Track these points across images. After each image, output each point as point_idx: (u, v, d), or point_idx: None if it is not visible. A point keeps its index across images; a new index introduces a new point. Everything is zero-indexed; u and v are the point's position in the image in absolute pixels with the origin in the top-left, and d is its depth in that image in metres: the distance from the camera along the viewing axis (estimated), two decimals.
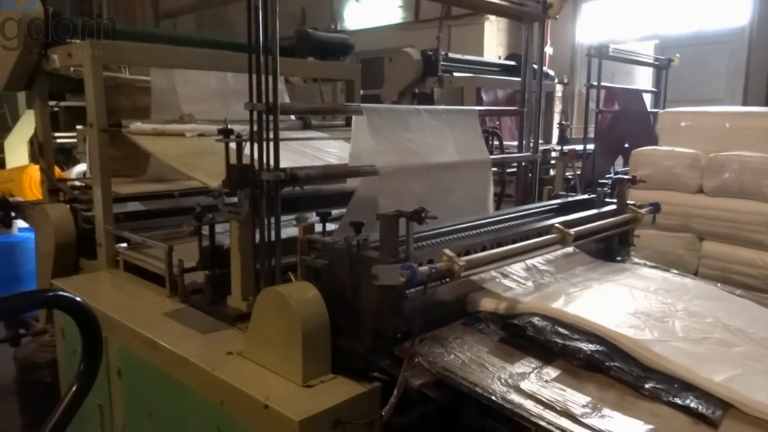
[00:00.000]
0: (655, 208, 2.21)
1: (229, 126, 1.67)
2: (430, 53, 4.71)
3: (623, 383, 1.25)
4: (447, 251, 1.36)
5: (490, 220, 1.93)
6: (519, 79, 2.47)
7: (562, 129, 4.32)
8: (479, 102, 4.72)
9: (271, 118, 1.57)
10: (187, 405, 1.56)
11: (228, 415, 1.41)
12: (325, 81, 3.77)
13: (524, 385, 1.23)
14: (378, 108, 1.89)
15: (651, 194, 2.82)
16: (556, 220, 1.81)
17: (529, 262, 1.78)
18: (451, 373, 1.26)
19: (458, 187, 2.08)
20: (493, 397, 1.18)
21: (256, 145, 1.58)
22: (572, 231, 1.71)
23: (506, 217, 2.01)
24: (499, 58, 6.93)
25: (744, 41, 6.90)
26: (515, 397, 1.18)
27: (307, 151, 2.45)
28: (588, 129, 4.17)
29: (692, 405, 1.17)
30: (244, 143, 1.61)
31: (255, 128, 1.58)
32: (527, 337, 1.40)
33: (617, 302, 1.58)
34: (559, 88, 7.10)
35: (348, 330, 1.42)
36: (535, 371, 1.29)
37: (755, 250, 2.55)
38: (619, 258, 2.21)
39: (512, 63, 5.39)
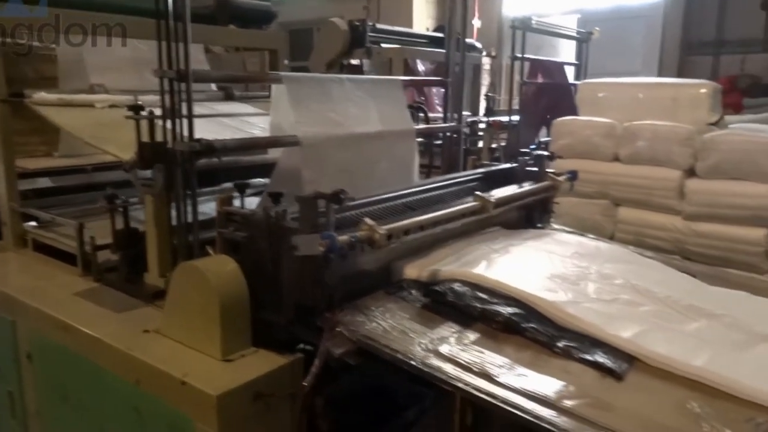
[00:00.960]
0: (573, 176, 2.28)
1: (146, 97, 1.59)
2: (358, 24, 4.64)
3: (538, 343, 1.29)
4: (368, 220, 1.35)
5: (414, 189, 1.94)
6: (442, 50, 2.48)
7: (488, 101, 4.38)
8: (412, 74, 4.72)
9: (183, 86, 1.50)
10: (102, 386, 1.50)
11: (145, 395, 1.36)
12: (250, 50, 3.66)
13: (443, 349, 1.25)
14: (299, 77, 1.85)
15: (570, 163, 2.92)
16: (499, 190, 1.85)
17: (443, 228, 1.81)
18: (372, 340, 1.27)
19: (383, 157, 2.07)
20: (412, 362, 1.20)
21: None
22: (493, 198, 1.75)
23: (430, 186, 2.02)
24: (427, 29, 6.94)
25: (659, 16, 7.21)
26: (434, 362, 1.20)
27: (229, 122, 2.37)
28: (513, 101, 4.26)
29: (600, 360, 1.22)
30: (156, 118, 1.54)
31: (167, 97, 1.50)
32: (448, 302, 1.42)
33: (535, 266, 1.63)
34: (487, 60, 7.21)
35: (269, 303, 1.39)
36: (455, 335, 1.32)
37: (666, 214, 2.69)
38: (540, 225, 2.28)
39: (440, 35, 5.39)
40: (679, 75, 7.04)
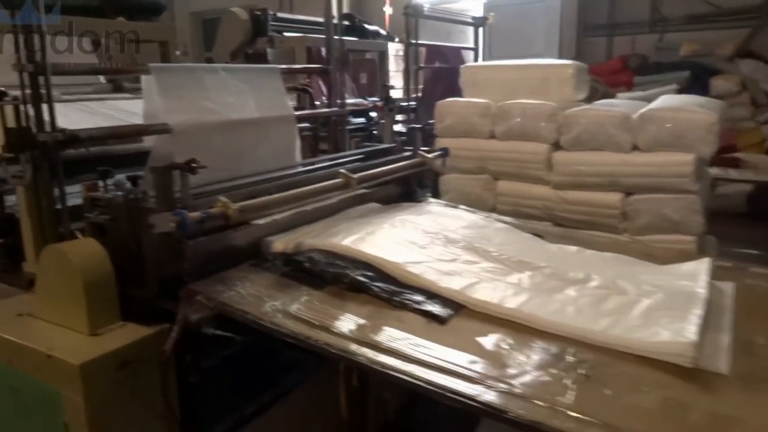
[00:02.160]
0: (444, 153, 2.48)
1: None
2: (259, 13, 4.70)
3: (380, 299, 1.46)
4: (221, 197, 1.48)
5: (287, 172, 2.08)
6: (351, 38, 2.60)
7: (387, 86, 4.55)
8: (316, 61, 4.80)
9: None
10: None
11: (18, 373, 1.44)
12: (145, 42, 3.65)
13: (292, 308, 1.40)
14: (167, 67, 1.94)
15: (453, 141, 3.13)
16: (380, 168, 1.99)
17: (321, 204, 1.97)
18: (227, 305, 1.40)
19: (261, 143, 2.18)
20: (261, 321, 1.34)
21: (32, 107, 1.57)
22: (356, 175, 1.91)
23: (303, 169, 2.16)
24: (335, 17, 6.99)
25: (557, 0, 7.60)
26: (281, 319, 1.35)
27: (112, 113, 2.42)
28: (412, 85, 4.44)
29: (428, 308, 1.40)
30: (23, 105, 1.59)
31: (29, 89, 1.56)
32: (305, 269, 1.57)
33: (391, 235, 1.80)
34: (400, 46, 7.36)
35: (135, 279, 1.50)
36: (306, 297, 1.47)
37: (538, 185, 2.94)
38: (421, 200, 2.46)
39: (345, 22, 5.52)
40: (578, 56, 7.44)
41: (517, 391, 1.12)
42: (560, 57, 7.41)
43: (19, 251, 1.78)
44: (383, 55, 5.54)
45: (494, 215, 2.29)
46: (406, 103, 4.21)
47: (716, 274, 1.74)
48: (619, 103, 3.01)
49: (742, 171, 3.72)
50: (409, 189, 2.44)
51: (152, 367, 1.43)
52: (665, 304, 1.44)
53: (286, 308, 1.39)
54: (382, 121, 4.34)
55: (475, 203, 2.93)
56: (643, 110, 2.64)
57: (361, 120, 4.37)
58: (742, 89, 6.33)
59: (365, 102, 4.08)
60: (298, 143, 2.32)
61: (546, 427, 1.02)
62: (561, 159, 2.84)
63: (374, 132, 4.21)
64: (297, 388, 1.92)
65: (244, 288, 1.49)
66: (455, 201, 2.83)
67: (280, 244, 1.72)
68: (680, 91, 6.24)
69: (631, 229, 2.75)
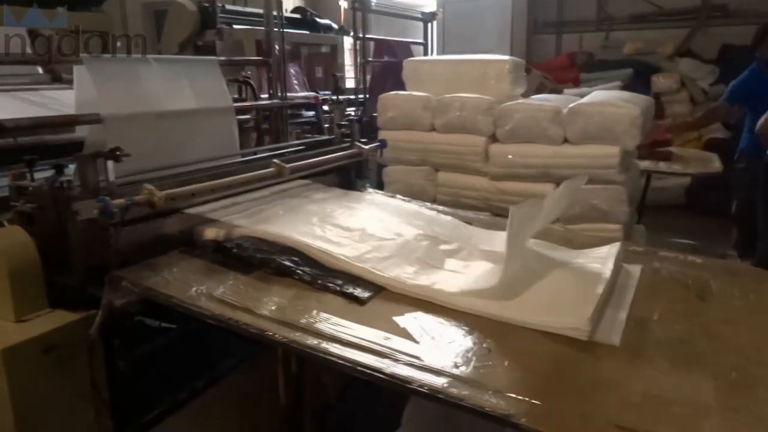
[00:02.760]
0: (382, 144, 2.55)
1: None
2: (207, 5, 4.68)
3: (304, 282, 1.52)
4: (147, 185, 1.51)
5: (224, 162, 2.12)
6: (302, 32, 2.63)
7: (335, 79, 4.59)
8: (266, 54, 4.81)
9: None
10: None
11: None
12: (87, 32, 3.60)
13: (217, 292, 1.44)
14: (99, 58, 1.94)
15: (396, 134, 3.21)
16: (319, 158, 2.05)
17: (259, 194, 2.02)
18: (152, 290, 1.44)
19: (198, 134, 2.21)
20: (184, 304, 1.38)
21: None
22: (289, 165, 1.96)
23: (241, 159, 2.20)
24: (286, 11, 7.00)
25: None
26: (204, 302, 1.40)
27: (47, 103, 2.41)
28: (364, 79, 4.50)
29: (349, 290, 1.47)
30: None
31: None
32: (233, 255, 1.62)
33: (321, 220, 1.86)
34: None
35: (63, 266, 1.52)
36: (231, 281, 1.52)
37: (476, 176, 3.04)
38: (360, 190, 2.53)
39: (296, 15, 5.56)
40: (528, 52, 7.65)
41: (423, 363, 1.19)
42: (511, 53, 7.58)
43: None
44: (335, 49, 5.59)
45: (428, 204, 2.37)
46: (354, 96, 4.28)
47: (628, 258, 1.87)
48: (553, 98, 3.14)
49: (671, 164, 3.89)
50: (348, 179, 2.50)
51: (80, 353, 1.46)
52: (572, 285, 1.54)
53: (210, 292, 1.44)
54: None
55: (417, 194, 3.02)
56: (572, 105, 2.77)
57: (312, 113, 4.43)
58: (682, 87, 6.62)
59: (317, 95, 4.11)
60: (236, 134, 2.36)
61: (443, 394, 1.10)
62: (497, 151, 2.95)
63: (327, 125, 4.27)
64: (233, 373, 1.96)
65: (171, 274, 1.53)
66: (398, 192, 2.91)
67: (210, 231, 1.75)
68: (624, 88, 6.51)
69: (563, 218, 2.88)
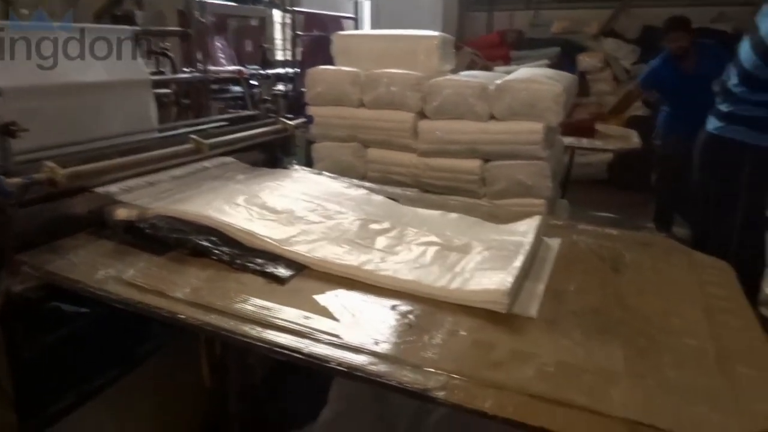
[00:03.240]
0: (308, 120, 2.49)
1: None
2: None
3: (222, 263, 1.47)
4: (48, 162, 1.41)
5: (140, 138, 2.01)
6: (228, 3, 2.49)
7: (263, 52, 4.47)
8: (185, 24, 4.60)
9: None
10: None
11: None
12: None
13: (126, 275, 1.37)
14: None
15: (325, 109, 3.16)
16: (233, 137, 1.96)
17: (180, 172, 1.93)
18: (55, 274, 1.35)
19: (111, 108, 2.09)
20: (90, 289, 1.31)
21: None
22: (208, 141, 1.88)
23: (159, 135, 2.10)
24: None
25: None
26: (112, 286, 1.32)
27: None
28: (294, 53, 4.40)
29: (269, 270, 1.43)
30: None
31: None
32: (146, 236, 1.54)
33: (241, 198, 1.80)
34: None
35: None
36: (144, 263, 1.44)
37: (405, 152, 3.04)
38: (286, 167, 2.46)
39: None
40: (459, 29, 7.69)
41: (343, 342, 1.18)
42: (443, 30, 7.59)
43: None
44: (263, 21, 5.42)
45: (356, 181, 2.34)
46: (283, 71, 4.17)
47: (549, 231, 1.91)
48: (481, 75, 3.15)
49: (593, 140, 4.02)
50: (274, 157, 2.43)
51: None
52: (493, 259, 1.56)
53: (120, 275, 1.37)
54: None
55: (346, 171, 2.98)
56: (498, 81, 2.80)
57: (239, 88, 4.28)
58: (606, 65, 6.83)
59: (241, 69, 3.98)
60: (153, 110, 2.24)
61: (361, 372, 1.09)
62: (426, 127, 2.94)
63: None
64: (153, 357, 1.89)
65: (78, 257, 1.44)
66: (327, 169, 2.87)
67: (123, 211, 1.66)
68: (551, 66, 6.64)
69: (489, 193, 2.93)
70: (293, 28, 4.27)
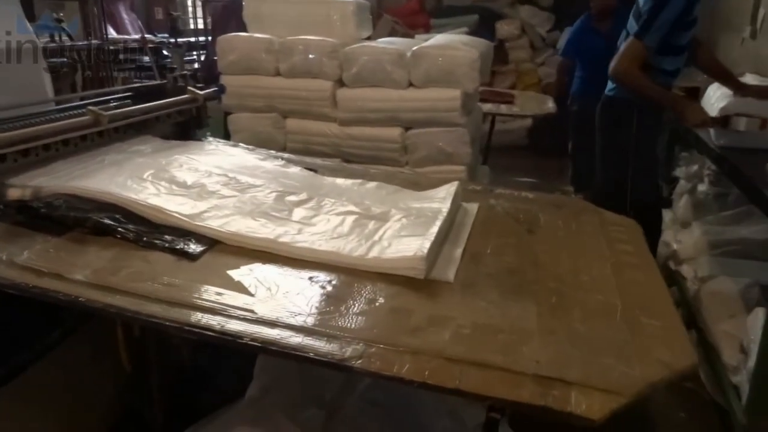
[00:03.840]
0: (219, 90, 2.39)
1: None
2: None
3: (127, 241, 1.39)
4: None
5: (32, 111, 1.85)
6: None
7: (173, 20, 4.24)
8: None
9: None
10: None
11: None
12: None
13: (20, 258, 1.27)
14: None
15: (239, 79, 3.04)
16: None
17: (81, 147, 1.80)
18: None
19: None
20: None
21: None
22: (107, 113, 1.76)
23: (54, 108, 1.94)
24: None
25: None
26: (3, 271, 1.22)
27: None
28: (203, 21, 4.19)
29: (179, 246, 1.37)
30: None
31: None
32: (42, 216, 1.43)
33: (148, 173, 1.70)
34: None
35: None
36: (40, 245, 1.34)
37: (325, 122, 2.98)
38: (201, 139, 2.35)
39: None
40: None
41: (257, 316, 1.14)
42: None
43: None
44: None
45: (273, 153, 2.27)
46: (194, 39, 3.98)
47: (468, 197, 1.93)
48: (398, 41, 3.12)
49: (511, 107, 4.10)
50: (186, 130, 2.32)
51: None
52: (412, 225, 1.55)
53: (12, 258, 1.26)
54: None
55: (266, 143, 2.90)
56: (415, 48, 2.78)
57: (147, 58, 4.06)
58: (522, 33, 6.96)
59: (143, 37, 3.76)
60: (44, 79, 2.08)
61: (276, 346, 1.06)
62: (344, 96, 2.90)
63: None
64: (64, 343, 1.78)
65: None
66: (246, 141, 2.77)
67: (15, 191, 1.53)
68: (470, 34, 6.70)
69: (411, 161, 2.93)
70: None
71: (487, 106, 3.90)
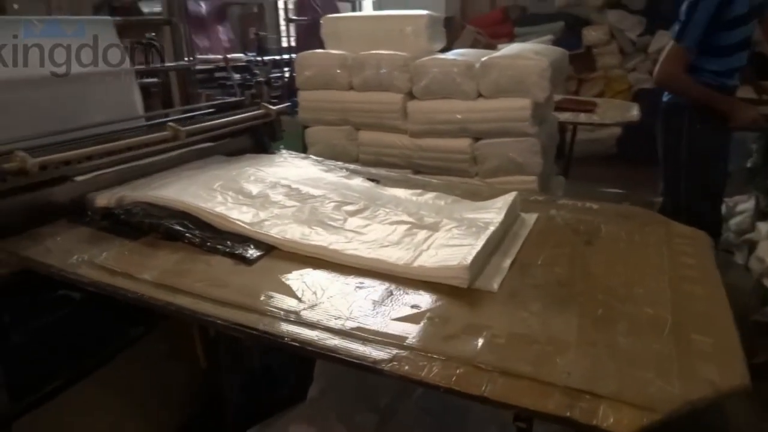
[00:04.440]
0: (292, 105, 2.51)
1: None
2: None
3: (193, 245, 1.51)
4: (19, 152, 1.45)
5: (122, 127, 2.05)
6: None
7: (260, 40, 4.49)
8: (188, 14, 4.65)
9: None
10: None
11: None
12: None
13: (98, 259, 1.41)
14: None
15: (315, 93, 3.17)
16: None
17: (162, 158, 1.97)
18: (30, 259, 1.40)
19: (92, 99, 2.13)
20: (63, 272, 1.35)
21: None
22: (185, 128, 1.91)
23: (143, 123, 2.13)
24: None
25: None
26: (84, 270, 1.37)
27: None
28: (288, 39, 4.41)
29: (238, 251, 1.47)
30: None
31: None
32: (122, 222, 1.58)
33: (217, 183, 1.82)
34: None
35: None
36: (117, 248, 1.49)
37: (396, 134, 3.04)
38: (273, 152, 2.49)
39: None
40: (463, 10, 7.62)
41: (300, 318, 1.21)
42: (446, 9, 7.53)
43: None
44: (261, 8, 5.43)
45: (339, 164, 2.36)
46: (279, 57, 4.19)
47: (528, 207, 1.92)
48: (471, 53, 3.13)
49: (591, 115, 3.98)
50: (260, 142, 2.46)
51: None
52: (461, 235, 1.57)
53: (92, 259, 1.41)
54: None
55: (339, 155, 3.00)
56: (484, 59, 2.78)
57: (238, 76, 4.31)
58: (611, 38, 6.72)
59: (226, 57, 4.00)
60: (137, 98, 2.28)
61: (313, 347, 1.12)
62: (415, 108, 2.94)
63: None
64: (145, 338, 1.94)
65: (54, 243, 1.49)
66: (321, 153, 2.89)
67: (103, 199, 1.71)
68: (556, 42, 6.57)
69: (481, 172, 2.93)
70: (286, 13, 4.26)
71: (565, 116, 3.81)
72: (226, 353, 2.22)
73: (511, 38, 6.88)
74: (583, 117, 3.92)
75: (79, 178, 1.74)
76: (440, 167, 2.96)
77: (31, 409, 1.60)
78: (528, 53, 2.79)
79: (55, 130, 1.86)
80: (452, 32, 7.14)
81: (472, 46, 6.07)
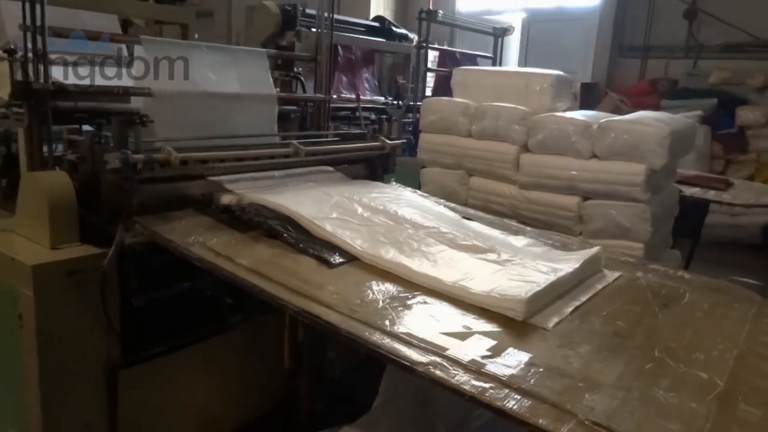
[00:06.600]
0: (408, 142, 2.72)
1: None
2: (289, 8, 5.03)
3: (288, 244, 1.72)
4: (168, 147, 1.77)
5: (259, 141, 2.37)
6: (375, 39, 2.77)
7: (398, 86, 4.80)
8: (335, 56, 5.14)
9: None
10: None
11: None
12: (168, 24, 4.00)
13: (211, 243, 1.67)
14: (155, 40, 2.25)
15: (436, 137, 3.37)
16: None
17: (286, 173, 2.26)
18: (158, 234, 1.68)
19: (239, 115, 2.47)
20: (178, 247, 1.62)
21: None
22: (305, 148, 2.17)
23: (275, 141, 2.44)
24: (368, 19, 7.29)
25: (595, 20, 7.67)
26: (196, 248, 1.62)
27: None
28: (424, 86, 4.69)
29: (323, 255, 1.65)
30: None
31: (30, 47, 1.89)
32: (236, 217, 1.85)
33: (327, 199, 2.04)
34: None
35: (94, 208, 1.80)
36: (227, 236, 1.74)
37: (505, 183, 3.13)
38: (387, 182, 2.70)
39: (374, 24, 5.82)
40: (609, 75, 7.52)
41: (358, 316, 1.35)
42: (593, 76, 7.51)
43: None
44: (408, 58, 5.80)
45: (441, 200, 2.50)
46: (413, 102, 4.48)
47: (615, 266, 1.93)
48: (590, 114, 3.16)
49: (721, 193, 3.76)
50: (374, 172, 2.69)
51: (95, 281, 1.72)
52: (531, 274, 1.64)
53: (205, 242, 1.67)
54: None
55: (450, 197, 3.14)
56: (602, 120, 2.80)
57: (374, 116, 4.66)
58: None
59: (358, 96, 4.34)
60: (275, 119, 2.60)
61: (363, 341, 1.26)
62: (527, 160, 3.02)
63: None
64: (238, 328, 2.19)
65: (179, 224, 1.78)
66: (433, 193, 3.05)
67: (227, 197, 1.99)
68: (706, 119, 6.29)
69: (585, 231, 2.91)
70: (425, 63, 4.56)
71: (692, 190, 3.65)
72: (310, 358, 2.40)
73: (656, 110, 6.66)
74: (712, 194, 3.73)
75: (212, 178, 2.04)
76: (545, 221, 2.98)
77: (135, 365, 1.87)
78: (648, 119, 2.77)
79: (204, 135, 2.20)
80: (594, 98, 7.10)
81: (613, 113, 5.98)
